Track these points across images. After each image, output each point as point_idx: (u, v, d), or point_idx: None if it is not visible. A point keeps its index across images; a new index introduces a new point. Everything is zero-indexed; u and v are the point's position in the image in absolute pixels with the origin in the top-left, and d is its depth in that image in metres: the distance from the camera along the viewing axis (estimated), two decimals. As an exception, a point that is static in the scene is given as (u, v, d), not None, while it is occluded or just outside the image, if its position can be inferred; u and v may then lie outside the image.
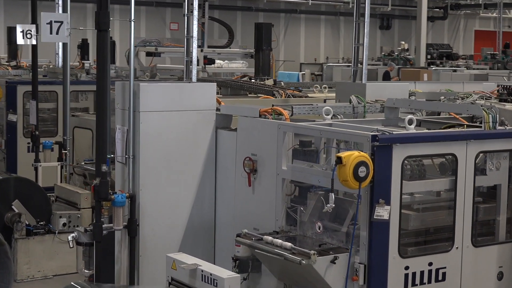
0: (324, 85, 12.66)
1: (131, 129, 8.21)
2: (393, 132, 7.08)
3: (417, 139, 7.19)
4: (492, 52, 27.79)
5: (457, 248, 7.50)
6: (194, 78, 9.85)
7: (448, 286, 7.47)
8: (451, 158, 7.70)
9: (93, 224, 8.04)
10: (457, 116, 8.45)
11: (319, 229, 7.53)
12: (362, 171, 6.78)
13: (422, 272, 7.31)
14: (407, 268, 7.21)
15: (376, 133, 6.98)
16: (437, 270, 7.40)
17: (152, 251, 8.36)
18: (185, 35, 10.33)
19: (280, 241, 7.23)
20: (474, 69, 25.87)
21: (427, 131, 7.46)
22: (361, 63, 10.53)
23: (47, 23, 8.06)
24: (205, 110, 8.56)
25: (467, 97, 9.33)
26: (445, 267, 7.43)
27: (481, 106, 7.74)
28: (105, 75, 7.96)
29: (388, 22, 36.18)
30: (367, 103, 8.71)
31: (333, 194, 6.86)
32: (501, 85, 9.79)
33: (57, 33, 8.12)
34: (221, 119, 8.74)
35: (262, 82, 12.24)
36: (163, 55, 16.73)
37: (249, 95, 11.72)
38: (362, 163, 6.77)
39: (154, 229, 8.34)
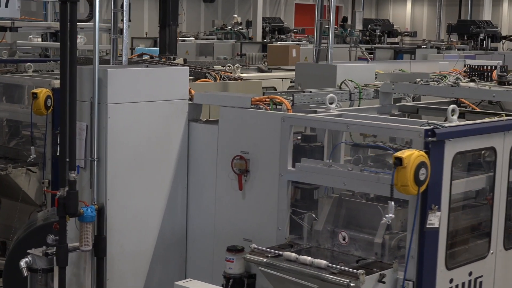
0: (236, 65, 11.38)
1: (95, 126, 6.64)
2: (445, 125, 6.03)
3: (467, 133, 6.19)
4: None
5: (492, 253, 6.64)
6: (125, 60, 8.34)
7: (484, 297, 6.61)
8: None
9: (57, 246, 6.42)
10: (468, 103, 7.56)
11: (344, 240, 6.38)
12: (422, 174, 5.72)
13: (463, 284, 6.38)
14: (451, 281, 6.26)
15: (429, 127, 5.92)
16: (475, 280, 6.50)
17: (120, 273, 6.87)
18: (112, 8, 8.77)
19: (309, 258, 6.00)
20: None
21: (471, 122, 6.48)
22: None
23: (-7, -6, 6.32)
24: (178, 100, 7.12)
25: (441, 79, 8.46)
26: (481, 276, 6.55)
27: None
28: (73, 59, 6.34)
29: (212, -5, 35.13)
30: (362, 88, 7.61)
31: (393, 202, 5.71)
32: (468, 65, 9.04)
33: (6, 6, 6.39)
34: (190, 110, 7.32)
35: (173, 62, 10.80)
36: (20, 30, 14.64)
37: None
38: (422, 164, 5.70)
39: (123, 245, 6.84)
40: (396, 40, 27.59)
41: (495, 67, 8.81)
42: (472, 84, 8.11)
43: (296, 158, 6.64)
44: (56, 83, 9.25)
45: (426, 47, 22.16)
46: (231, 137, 6.93)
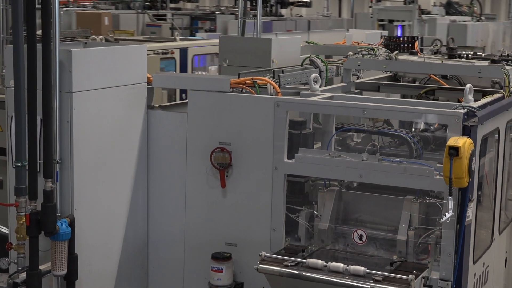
0: (100, 36, 10.12)
1: (56, 120, 5.37)
2: (475, 107, 5.49)
3: (492, 114, 5.71)
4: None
5: (494, 240, 6.26)
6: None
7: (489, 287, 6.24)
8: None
9: (29, 273, 5.13)
10: (437, 79, 7.07)
11: (361, 239, 5.68)
12: (473, 164, 5.18)
13: (480, 277, 5.95)
14: (475, 275, 5.79)
15: (464, 111, 5.36)
16: (485, 271, 6.10)
17: (88, 296, 5.69)
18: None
19: (342, 265, 5.25)
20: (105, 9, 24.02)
21: (487, 101, 5.95)
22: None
23: None
24: (138, 84, 5.98)
25: (368, 53, 7.92)
26: (488, 266, 6.15)
27: (502, 67, 6.46)
28: (48, 41, 5.04)
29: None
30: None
31: (451, 198, 5.08)
32: (385, 36, 8.61)
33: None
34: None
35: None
36: None
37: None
38: (473, 153, 5.15)
39: (91, 263, 5.65)
40: (178, 5, 26.81)
41: (416, 38, 8.46)
42: (414, 58, 7.66)
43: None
44: None
45: (224, 14, 21.61)
46: (205, 126, 5.94)
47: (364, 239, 5.67)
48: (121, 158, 5.88)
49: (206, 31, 20.65)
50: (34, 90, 5.05)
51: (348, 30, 10.49)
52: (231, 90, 5.90)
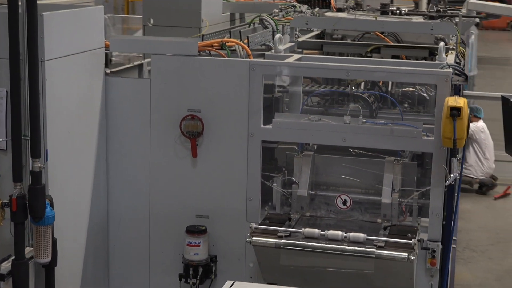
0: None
1: (25, 91, 4.80)
2: (454, 65, 5.45)
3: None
4: None
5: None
6: None
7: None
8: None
9: (15, 263, 4.60)
10: (383, 36, 6.95)
11: (344, 204, 5.54)
12: (469, 124, 5.13)
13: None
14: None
15: (450, 70, 5.30)
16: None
17: (62, 282, 5.20)
18: None
19: (340, 232, 5.12)
20: None
21: (452, 58, 5.89)
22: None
23: None
24: (98, 49, 5.48)
25: (293, 10, 7.73)
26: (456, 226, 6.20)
27: (454, 24, 6.45)
28: (33, 4, 4.45)
29: None
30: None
31: (456, 159, 5.01)
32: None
33: None
34: (99, 61, 5.71)
35: None
36: None
37: None
38: (469, 113, 5.11)
39: (63, 248, 5.15)
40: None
41: (331, -5, 8.36)
42: (342, 14, 7.54)
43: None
44: None
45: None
46: (171, 93, 5.55)
47: (348, 204, 5.53)
48: (86, 131, 5.40)
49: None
50: (17, 60, 4.47)
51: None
52: (198, 53, 5.53)
